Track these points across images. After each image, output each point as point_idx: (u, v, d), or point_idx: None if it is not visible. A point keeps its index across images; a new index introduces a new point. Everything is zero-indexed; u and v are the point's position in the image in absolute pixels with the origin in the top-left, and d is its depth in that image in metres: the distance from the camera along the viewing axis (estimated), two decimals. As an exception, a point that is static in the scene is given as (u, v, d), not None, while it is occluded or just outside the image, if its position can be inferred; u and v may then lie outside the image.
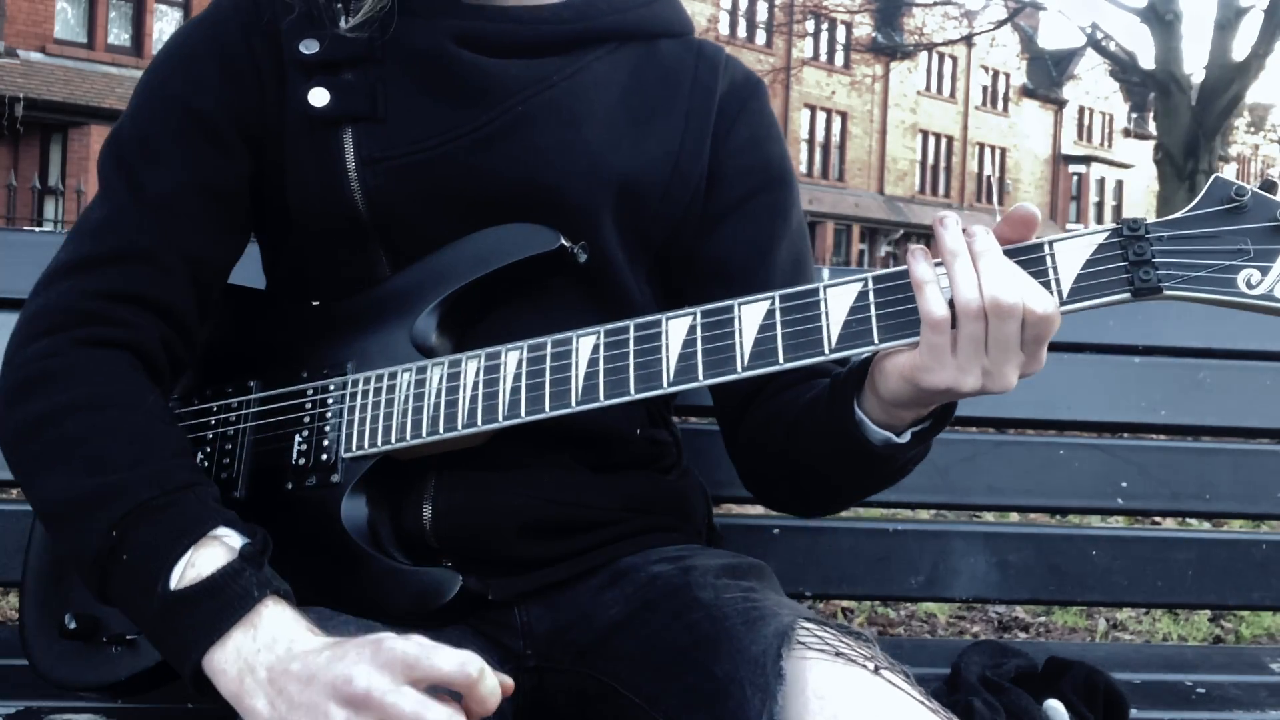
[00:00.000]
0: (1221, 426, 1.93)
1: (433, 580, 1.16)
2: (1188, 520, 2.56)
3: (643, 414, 1.36)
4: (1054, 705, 1.50)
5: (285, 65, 1.28)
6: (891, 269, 1.08)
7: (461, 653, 0.94)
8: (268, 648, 1.01)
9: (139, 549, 1.07)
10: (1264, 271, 1.01)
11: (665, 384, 1.11)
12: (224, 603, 1.03)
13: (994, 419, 1.92)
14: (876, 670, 1.06)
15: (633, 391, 1.11)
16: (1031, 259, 1.05)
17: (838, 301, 1.08)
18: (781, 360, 1.08)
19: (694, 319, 1.12)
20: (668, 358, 1.11)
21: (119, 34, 21.01)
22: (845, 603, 3.79)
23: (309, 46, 1.27)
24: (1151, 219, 1.06)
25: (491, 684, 0.94)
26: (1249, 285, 1.02)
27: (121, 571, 1.08)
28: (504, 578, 1.25)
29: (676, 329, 1.12)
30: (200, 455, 1.27)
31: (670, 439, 1.42)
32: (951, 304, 1.03)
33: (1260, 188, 1.05)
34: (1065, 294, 1.04)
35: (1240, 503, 1.91)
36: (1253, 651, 2.08)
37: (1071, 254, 1.05)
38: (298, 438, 1.23)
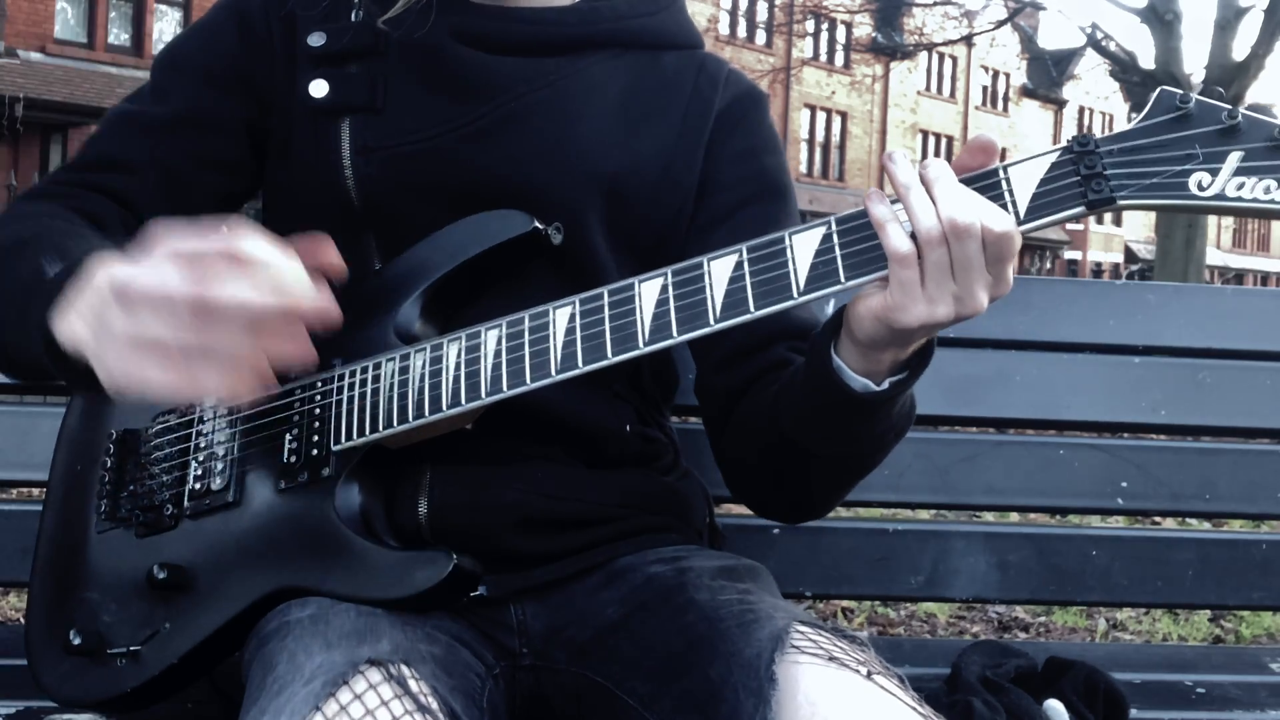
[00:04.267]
0: (1221, 426, 1.93)
1: (426, 560, 1.16)
2: (1188, 520, 2.56)
3: (631, 411, 1.36)
4: (1054, 705, 1.50)
5: (296, 56, 1.32)
6: (853, 210, 1.09)
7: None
8: (94, 289, 1.03)
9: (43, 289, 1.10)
10: (1213, 173, 1.04)
11: (641, 344, 1.11)
12: (50, 286, 1.08)
13: (994, 419, 1.92)
14: (869, 675, 1.06)
15: (610, 355, 1.12)
16: (987, 184, 1.07)
17: (803, 246, 1.09)
18: (752, 308, 1.09)
19: (665, 279, 1.12)
20: (642, 319, 1.12)
21: (119, 34, 21.02)
22: (845, 603, 3.80)
23: (317, 39, 1.32)
24: (1102, 134, 1.09)
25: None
26: (1200, 188, 1.04)
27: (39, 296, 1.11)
28: (501, 574, 1.25)
29: (649, 290, 1.13)
30: (192, 465, 1.28)
31: (665, 440, 1.41)
32: (914, 238, 1.04)
33: (1202, 94, 1.07)
34: (1022, 214, 1.06)
35: (1240, 503, 1.91)
36: (1253, 651, 2.08)
37: (1026, 175, 1.07)
38: (288, 437, 1.23)
